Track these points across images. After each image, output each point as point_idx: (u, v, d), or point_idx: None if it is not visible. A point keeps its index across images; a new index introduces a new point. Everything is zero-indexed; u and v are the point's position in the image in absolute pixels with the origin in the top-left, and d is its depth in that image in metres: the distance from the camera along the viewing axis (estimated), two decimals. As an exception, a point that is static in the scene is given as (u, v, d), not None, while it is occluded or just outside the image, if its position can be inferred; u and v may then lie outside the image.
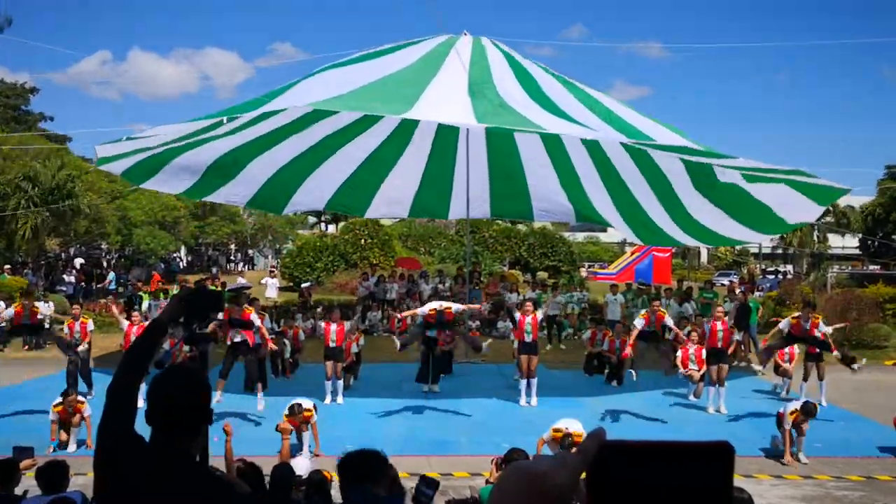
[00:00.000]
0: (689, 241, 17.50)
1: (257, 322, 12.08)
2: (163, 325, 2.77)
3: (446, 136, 15.84)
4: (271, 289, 26.03)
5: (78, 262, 38.03)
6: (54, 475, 5.59)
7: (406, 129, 15.58)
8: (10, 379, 14.48)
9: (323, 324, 13.37)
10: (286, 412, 9.47)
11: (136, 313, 13.75)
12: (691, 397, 13.66)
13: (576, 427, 8.48)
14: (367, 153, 16.14)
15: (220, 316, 11.56)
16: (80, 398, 10.34)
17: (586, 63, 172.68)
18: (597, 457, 0.87)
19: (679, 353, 13.71)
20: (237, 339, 11.74)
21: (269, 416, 11.82)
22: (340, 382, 13.15)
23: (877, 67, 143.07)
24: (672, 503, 0.87)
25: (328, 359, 13.05)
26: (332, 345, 13.00)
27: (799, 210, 14.79)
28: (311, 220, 54.24)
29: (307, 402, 9.89)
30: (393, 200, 18.23)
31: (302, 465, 6.70)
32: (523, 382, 13.19)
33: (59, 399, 10.31)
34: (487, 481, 6.88)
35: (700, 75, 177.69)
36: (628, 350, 13.35)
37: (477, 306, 16.70)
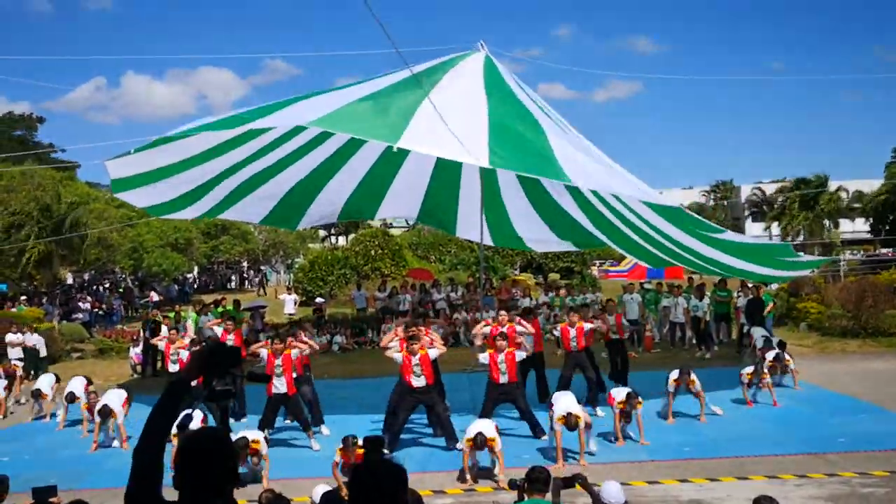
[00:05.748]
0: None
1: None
2: (183, 383, 2.81)
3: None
4: (289, 304, 26.06)
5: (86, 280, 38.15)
6: None
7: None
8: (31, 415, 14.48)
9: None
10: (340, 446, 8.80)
11: (172, 331, 15.23)
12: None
13: (490, 433, 9.12)
14: (376, 156, 15.38)
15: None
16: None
17: (577, 62, 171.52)
18: None
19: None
20: (280, 391, 11.17)
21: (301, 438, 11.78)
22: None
23: (875, 48, 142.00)
24: None
25: None
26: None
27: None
28: (322, 233, 54.40)
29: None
30: (401, 203, 17.80)
31: (320, 491, 6.64)
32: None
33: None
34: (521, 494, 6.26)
35: (693, 67, 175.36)
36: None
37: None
